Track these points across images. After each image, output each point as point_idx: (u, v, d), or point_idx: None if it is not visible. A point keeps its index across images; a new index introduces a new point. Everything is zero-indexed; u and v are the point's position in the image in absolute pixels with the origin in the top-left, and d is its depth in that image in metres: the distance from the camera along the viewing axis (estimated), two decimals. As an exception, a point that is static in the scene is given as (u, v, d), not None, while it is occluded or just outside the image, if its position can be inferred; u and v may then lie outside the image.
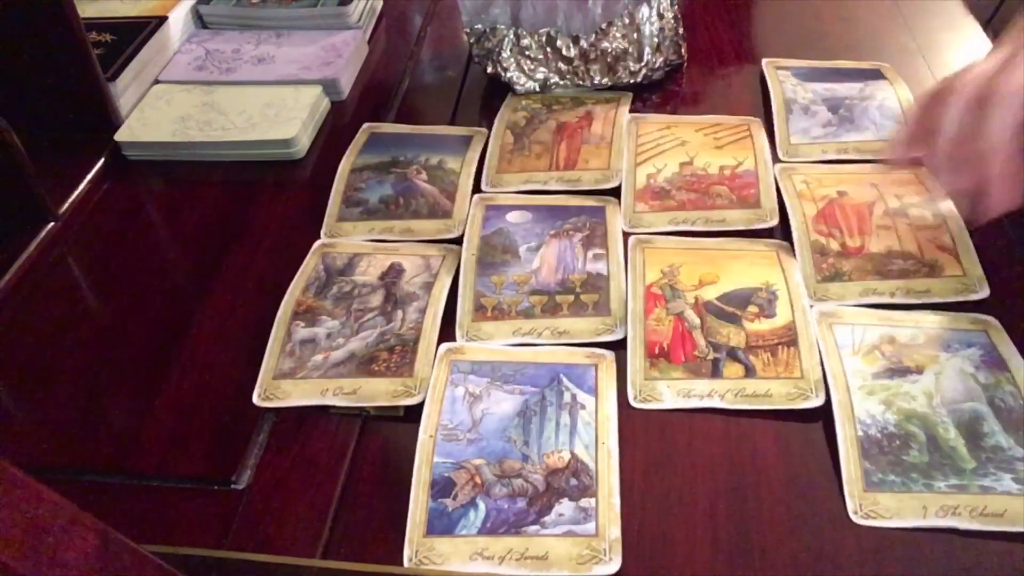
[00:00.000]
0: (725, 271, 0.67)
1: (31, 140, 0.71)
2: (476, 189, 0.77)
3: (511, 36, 0.85)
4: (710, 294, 0.65)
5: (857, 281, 0.65)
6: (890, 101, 0.82)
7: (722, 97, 0.87)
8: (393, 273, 0.69)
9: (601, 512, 0.52)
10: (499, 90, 0.89)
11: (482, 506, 0.53)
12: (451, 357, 0.62)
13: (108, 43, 0.88)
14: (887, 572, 0.50)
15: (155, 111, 0.87)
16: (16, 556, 0.33)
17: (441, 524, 0.52)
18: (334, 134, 0.86)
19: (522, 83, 0.87)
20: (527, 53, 0.86)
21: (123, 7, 0.94)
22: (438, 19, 1.04)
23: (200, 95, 0.88)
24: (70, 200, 0.78)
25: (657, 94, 0.88)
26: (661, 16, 0.85)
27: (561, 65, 0.86)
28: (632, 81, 0.87)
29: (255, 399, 0.60)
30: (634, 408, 0.59)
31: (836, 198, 0.72)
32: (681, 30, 0.88)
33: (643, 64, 0.86)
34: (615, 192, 0.76)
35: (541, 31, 0.85)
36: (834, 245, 0.68)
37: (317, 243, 0.73)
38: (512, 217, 0.73)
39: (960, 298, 0.64)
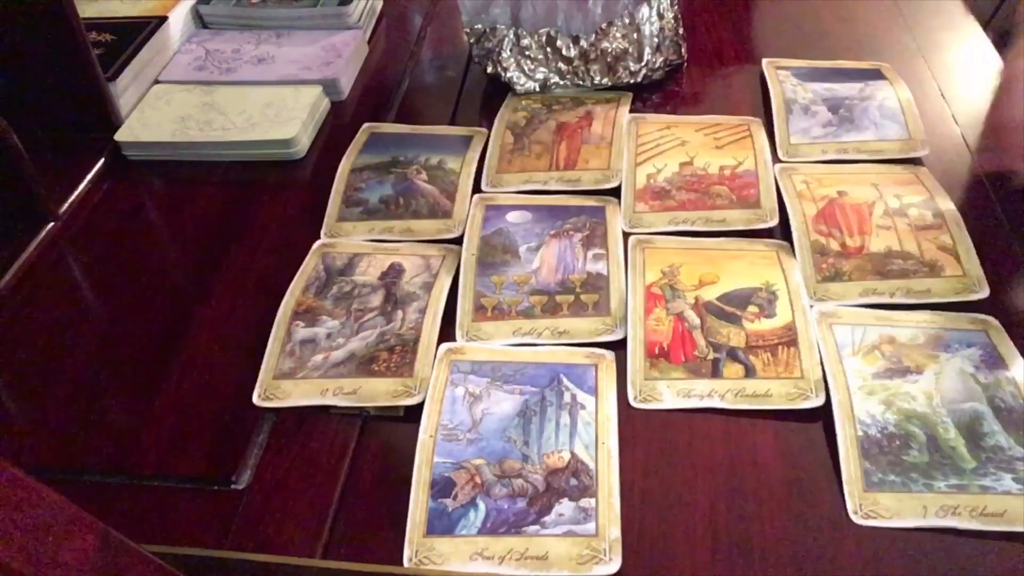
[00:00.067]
0: (725, 271, 0.67)
1: (31, 140, 0.72)
2: (476, 189, 0.77)
3: (511, 36, 0.85)
4: (710, 294, 0.65)
5: (857, 281, 0.65)
6: (890, 101, 0.82)
7: (722, 97, 0.87)
8: (393, 273, 0.69)
9: (601, 512, 0.53)
10: (499, 90, 0.89)
11: (482, 506, 0.53)
12: (451, 357, 0.62)
13: (108, 43, 0.88)
14: (887, 572, 0.50)
15: (155, 111, 0.87)
16: (16, 556, 0.33)
17: (441, 524, 0.52)
18: (334, 134, 0.86)
19: (522, 83, 0.87)
20: (527, 53, 0.86)
21: (123, 7, 0.94)
22: (438, 19, 1.04)
23: (200, 95, 0.88)
24: (70, 200, 0.78)
25: (657, 94, 0.88)
26: (661, 16, 0.85)
27: (561, 65, 0.86)
28: (632, 81, 0.87)
29: (255, 399, 0.60)
30: (634, 408, 0.59)
31: (836, 198, 0.72)
32: (681, 30, 0.88)
33: (643, 64, 0.86)
34: (615, 192, 0.76)
35: (541, 31, 0.85)
36: (834, 245, 0.68)
37: (317, 243, 0.73)
38: (512, 217, 0.73)
39: (960, 298, 0.64)
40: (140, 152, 0.84)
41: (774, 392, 0.58)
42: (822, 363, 0.59)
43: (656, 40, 0.86)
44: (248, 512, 0.55)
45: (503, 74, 0.87)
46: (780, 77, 0.87)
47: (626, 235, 0.71)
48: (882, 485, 0.53)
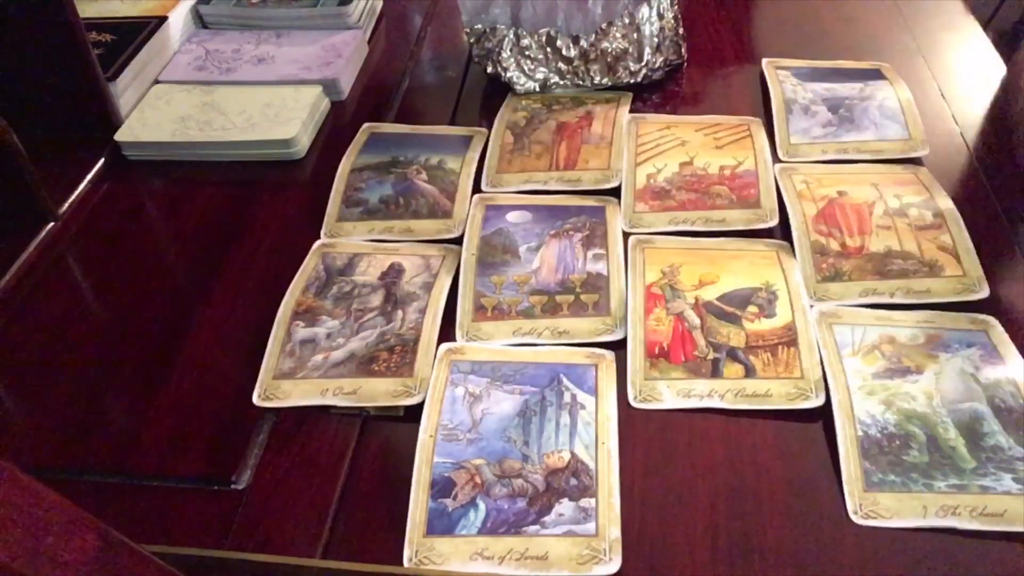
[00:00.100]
0: (725, 271, 0.67)
1: (31, 140, 0.72)
2: (476, 189, 0.77)
3: (511, 36, 0.85)
4: (710, 294, 0.65)
5: (857, 281, 0.65)
6: (890, 101, 0.82)
7: (722, 97, 0.87)
8: (393, 273, 0.69)
9: (601, 512, 0.53)
10: (499, 90, 0.89)
11: (482, 506, 0.53)
12: (451, 357, 0.62)
13: (108, 43, 0.88)
14: (887, 572, 0.50)
15: (155, 111, 0.87)
16: (16, 556, 0.33)
17: (441, 524, 0.52)
18: (334, 134, 0.86)
19: (522, 83, 0.87)
20: (527, 53, 0.86)
21: (123, 7, 0.94)
22: (438, 19, 1.04)
23: (200, 95, 0.88)
24: (70, 200, 0.78)
25: (657, 94, 0.88)
26: (661, 16, 0.85)
27: (561, 65, 0.86)
28: (632, 81, 0.87)
29: (255, 399, 0.60)
30: (634, 408, 0.59)
31: (836, 198, 0.72)
32: (681, 30, 0.88)
33: (643, 64, 0.86)
34: (615, 192, 0.76)
35: (541, 31, 0.85)
36: (834, 245, 0.68)
37: (317, 243, 0.73)
38: (512, 217, 0.73)
39: (960, 298, 0.64)
40: (140, 152, 0.84)
41: (774, 392, 0.58)
42: (822, 363, 0.59)
43: (656, 40, 0.86)
44: (248, 512, 0.55)
45: (503, 74, 0.87)
46: (780, 77, 0.87)
47: (626, 235, 0.71)
48: (882, 485, 0.53)
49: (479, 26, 0.86)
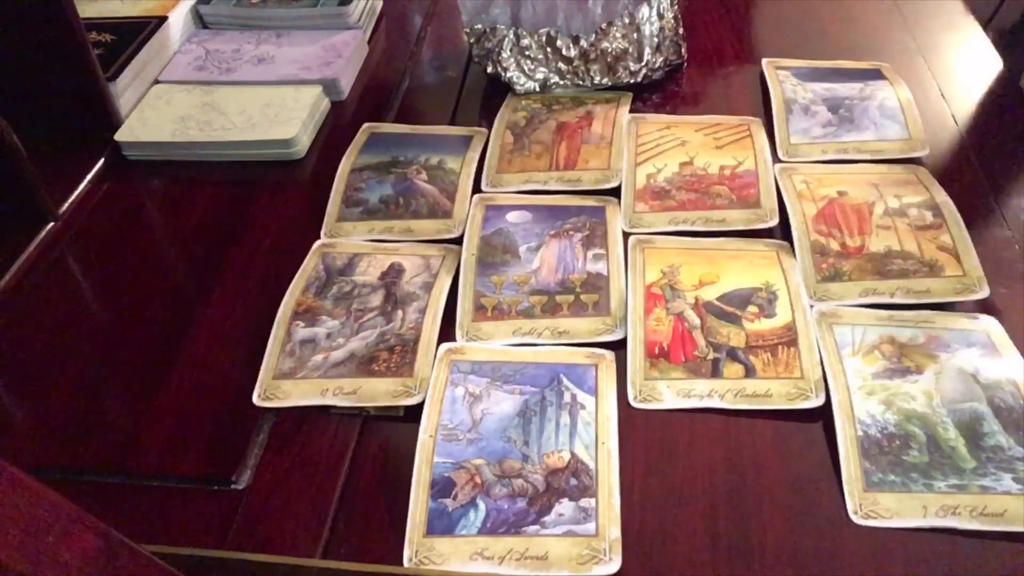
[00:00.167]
0: (725, 271, 0.67)
1: (31, 140, 0.72)
2: (476, 189, 0.77)
3: (511, 36, 0.85)
4: (710, 294, 0.65)
5: (857, 281, 0.65)
6: (890, 101, 0.82)
7: (722, 97, 0.87)
8: (393, 273, 0.69)
9: (601, 512, 0.53)
10: (499, 90, 0.89)
11: (482, 506, 0.53)
12: (451, 357, 0.62)
13: (108, 43, 0.88)
14: (887, 572, 0.50)
15: (155, 111, 0.87)
16: (16, 556, 0.33)
17: (441, 524, 0.52)
18: (334, 134, 0.86)
19: (522, 83, 0.87)
20: (527, 53, 0.86)
21: (123, 7, 0.94)
22: (438, 19, 1.04)
23: (200, 95, 0.88)
24: (70, 200, 0.78)
25: (657, 94, 0.88)
26: (661, 16, 0.85)
27: (561, 65, 0.86)
28: (632, 81, 0.87)
29: (255, 399, 0.60)
30: (634, 408, 0.59)
31: (836, 198, 0.72)
32: (681, 30, 0.88)
33: (643, 64, 0.86)
34: (615, 192, 0.76)
35: (541, 31, 0.85)
36: (834, 245, 0.68)
37: (317, 243, 0.73)
38: (512, 217, 0.73)
39: (960, 298, 0.64)
40: (140, 152, 0.84)
41: (774, 392, 0.58)
42: (822, 363, 0.59)
43: (656, 40, 0.86)
44: (248, 512, 0.55)
45: (503, 74, 0.87)
46: (780, 77, 0.87)
47: (626, 235, 0.71)
48: (882, 485, 0.53)
49: (479, 26, 0.86)
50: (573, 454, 0.56)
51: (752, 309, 0.64)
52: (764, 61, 0.90)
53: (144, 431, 0.60)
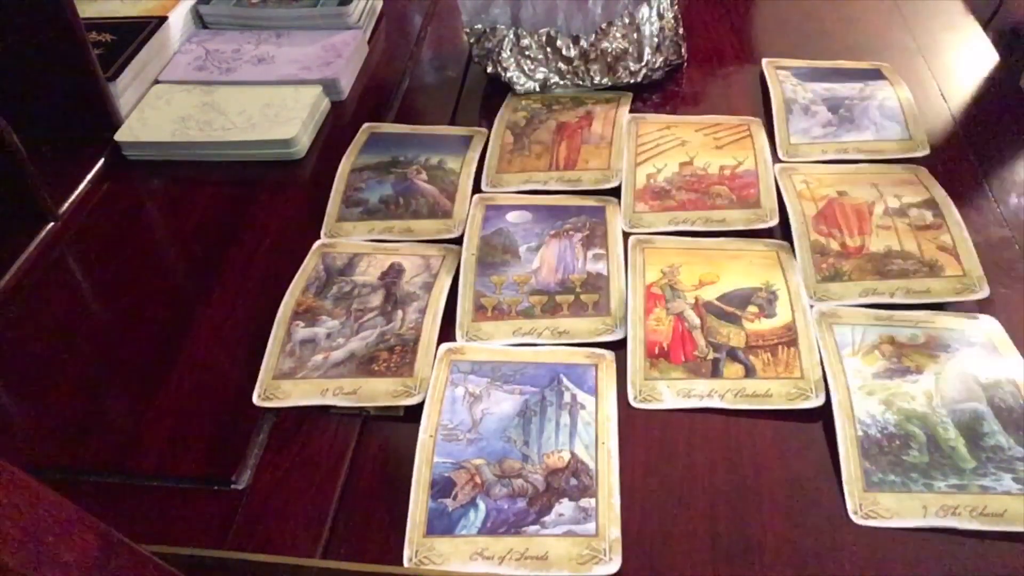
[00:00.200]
0: (725, 271, 0.67)
1: (31, 140, 0.72)
2: (476, 189, 0.77)
3: (511, 36, 0.85)
4: (710, 294, 0.65)
5: (857, 281, 0.65)
6: (890, 101, 0.82)
7: (722, 97, 0.87)
8: (393, 273, 0.69)
9: (601, 512, 0.52)
10: (499, 90, 0.89)
11: (482, 506, 0.53)
12: (451, 357, 0.62)
13: (108, 43, 0.88)
14: (887, 572, 0.50)
15: (155, 111, 0.87)
16: (16, 556, 0.33)
17: (441, 524, 0.52)
18: (334, 134, 0.86)
19: (522, 83, 0.87)
20: (527, 53, 0.86)
21: (123, 7, 0.94)
22: (438, 19, 1.04)
23: (200, 95, 0.88)
24: (70, 200, 0.78)
25: (657, 94, 0.88)
26: (661, 16, 0.85)
27: (561, 65, 0.86)
28: (632, 81, 0.87)
29: (255, 399, 0.60)
30: (634, 408, 0.59)
31: (836, 198, 0.72)
32: (681, 30, 0.88)
33: (643, 64, 0.86)
34: (615, 192, 0.76)
35: (541, 31, 0.85)
36: (834, 245, 0.68)
37: (317, 243, 0.73)
38: (512, 217, 0.73)
39: (960, 298, 0.64)
40: (140, 152, 0.84)
41: (774, 392, 0.58)
42: (822, 363, 0.59)
43: (656, 40, 0.86)
44: (248, 512, 0.55)
45: (503, 74, 0.87)
46: (780, 77, 0.87)
47: (626, 235, 0.71)
48: (882, 485, 0.53)
49: (479, 26, 0.86)
50: (573, 454, 0.56)
51: (752, 309, 0.64)
52: (764, 61, 0.90)
53: (144, 431, 0.60)
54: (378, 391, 0.60)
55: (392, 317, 0.65)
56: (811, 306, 0.64)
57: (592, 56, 0.85)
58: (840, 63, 0.89)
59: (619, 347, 0.62)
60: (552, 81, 0.87)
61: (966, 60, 0.90)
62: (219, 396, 0.62)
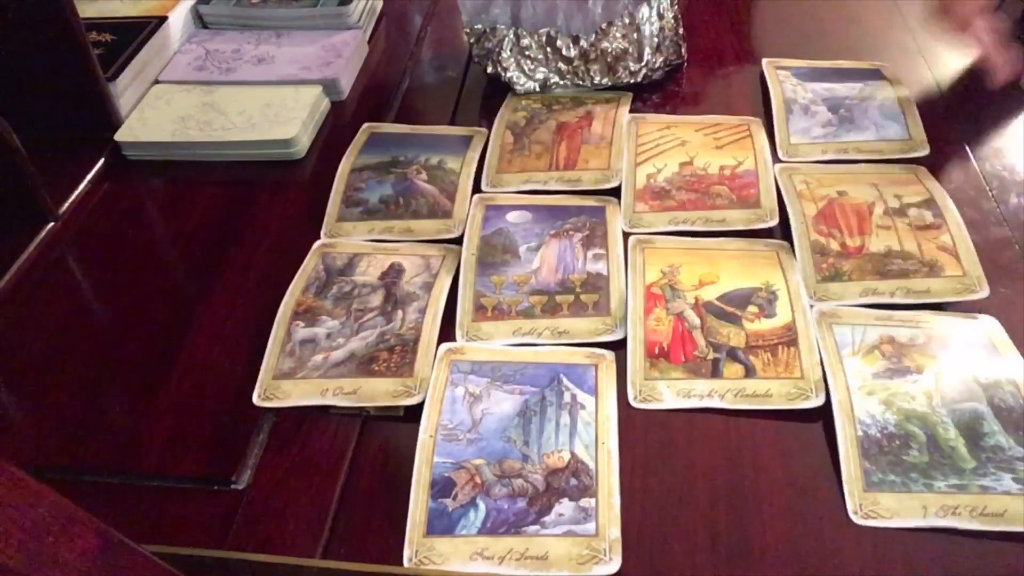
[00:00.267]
0: (725, 271, 0.67)
1: (31, 140, 0.72)
2: (476, 189, 0.77)
3: (511, 36, 0.85)
4: (710, 294, 0.65)
5: (857, 281, 0.65)
6: (890, 101, 0.82)
7: (722, 97, 0.87)
8: (393, 273, 0.69)
9: (601, 512, 0.52)
10: (499, 90, 0.89)
11: (482, 506, 0.53)
12: (451, 357, 0.62)
13: (108, 43, 0.88)
14: (887, 572, 0.50)
15: (155, 111, 0.87)
16: (16, 556, 0.33)
17: (441, 524, 0.52)
18: (334, 134, 0.86)
19: (522, 83, 0.87)
20: (527, 53, 0.86)
21: (123, 7, 0.94)
22: (438, 19, 1.04)
23: (200, 95, 0.88)
24: (70, 200, 0.78)
25: (657, 94, 0.88)
26: (661, 16, 0.85)
27: (561, 65, 0.86)
28: (632, 81, 0.87)
29: (255, 399, 0.60)
30: (634, 408, 0.59)
31: (836, 198, 0.72)
32: (681, 30, 0.88)
33: (643, 64, 0.86)
34: (615, 192, 0.76)
35: (541, 31, 0.85)
36: (834, 245, 0.68)
37: (317, 243, 0.73)
38: (512, 217, 0.73)
39: (960, 298, 0.64)
40: (140, 152, 0.84)
41: (774, 392, 0.58)
42: (822, 363, 0.59)
43: (656, 40, 0.86)
44: (248, 512, 0.55)
45: (503, 74, 0.87)
46: (780, 77, 0.87)
47: (626, 235, 0.71)
48: (882, 485, 0.53)
49: (479, 26, 0.86)
50: (573, 454, 0.56)
51: (752, 309, 0.64)
52: (764, 61, 0.90)
53: (144, 431, 0.60)
54: (378, 391, 0.60)
55: (392, 317, 0.65)
56: (811, 306, 0.64)
57: (592, 56, 0.85)
58: (840, 63, 0.89)
59: (619, 347, 0.62)
60: (552, 81, 0.87)
61: (966, 60, 0.90)
62: (219, 396, 0.62)
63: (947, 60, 0.89)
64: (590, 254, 0.69)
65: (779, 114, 0.82)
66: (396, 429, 0.59)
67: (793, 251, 0.68)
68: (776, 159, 0.78)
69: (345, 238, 0.73)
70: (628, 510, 0.53)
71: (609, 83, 0.87)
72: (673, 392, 0.59)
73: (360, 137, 0.84)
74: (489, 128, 0.84)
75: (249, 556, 0.52)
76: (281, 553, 0.52)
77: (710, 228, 0.71)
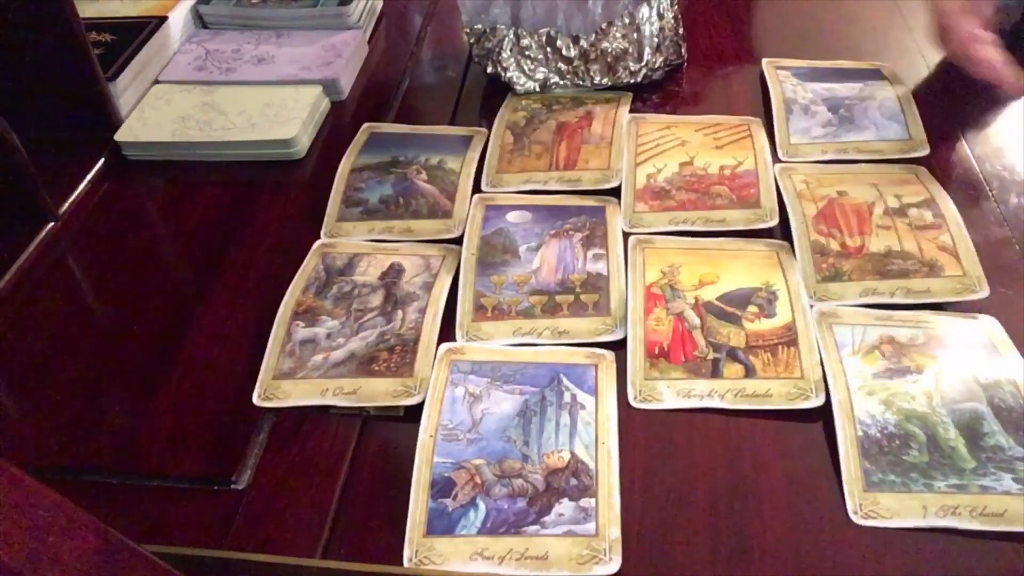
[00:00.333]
0: (725, 271, 0.67)
1: (31, 140, 0.72)
2: (476, 189, 0.77)
3: (511, 36, 0.85)
4: (710, 294, 0.65)
5: (857, 281, 0.65)
6: (890, 101, 0.82)
7: (722, 97, 0.87)
8: (393, 273, 0.69)
9: (601, 512, 0.52)
10: (499, 90, 0.89)
11: (482, 506, 0.53)
12: (451, 357, 0.62)
13: (108, 43, 0.88)
14: (887, 572, 0.50)
15: (155, 111, 0.87)
16: (16, 556, 0.33)
17: (441, 524, 0.52)
18: (334, 134, 0.86)
19: (522, 83, 0.87)
20: (527, 53, 0.86)
21: (123, 7, 0.95)
22: (438, 19, 1.04)
23: (200, 95, 0.88)
24: (70, 200, 0.78)
25: (657, 94, 0.88)
26: (661, 16, 0.85)
27: (561, 65, 0.86)
28: (632, 81, 0.87)
29: (255, 399, 0.60)
30: (634, 408, 0.59)
31: (836, 198, 0.72)
32: (681, 30, 0.88)
33: (643, 64, 0.86)
34: (615, 192, 0.76)
35: (541, 31, 0.85)
36: (834, 245, 0.68)
37: (317, 243, 0.73)
38: (512, 217, 0.73)
39: (960, 298, 0.63)
40: (140, 152, 0.84)
41: (774, 392, 0.58)
42: (822, 363, 0.59)
43: (656, 40, 0.86)
44: (248, 512, 0.55)
45: (503, 74, 0.87)
46: (780, 77, 0.87)
47: (626, 235, 0.71)
48: (882, 485, 0.53)
49: (479, 26, 0.86)
50: (573, 454, 0.56)
51: (752, 309, 0.64)
52: (764, 61, 0.90)
53: (144, 431, 0.60)
54: (378, 391, 0.60)
55: (392, 317, 0.65)
56: (811, 306, 0.64)
57: (592, 56, 0.85)
58: (840, 63, 0.89)
59: (619, 347, 0.62)
60: (552, 81, 0.87)
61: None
62: (219, 396, 0.62)
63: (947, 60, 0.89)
64: (590, 254, 0.69)
65: (779, 114, 0.82)
66: (396, 429, 0.59)
67: (793, 251, 0.68)
68: (776, 159, 0.78)
69: (345, 238, 0.73)
70: (628, 510, 0.53)
71: (609, 83, 0.87)
72: (673, 392, 0.59)
73: (360, 137, 0.84)
74: (489, 128, 0.84)
75: (249, 556, 0.52)
76: (281, 553, 0.52)
77: (710, 228, 0.71)
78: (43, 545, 0.34)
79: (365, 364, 0.62)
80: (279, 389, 0.61)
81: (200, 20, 0.99)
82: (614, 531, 0.52)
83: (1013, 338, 0.60)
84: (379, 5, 1.03)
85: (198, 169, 0.83)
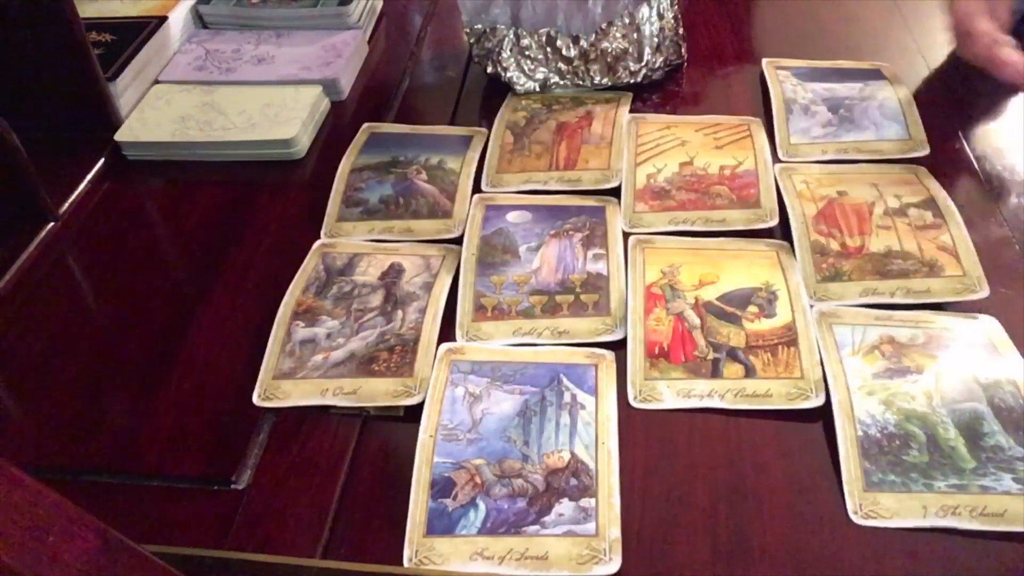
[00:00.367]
0: (725, 271, 0.67)
1: (31, 140, 0.72)
2: (476, 189, 0.77)
3: (511, 36, 0.85)
4: (710, 294, 0.65)
5: (857, 281, 0.65)
6: (890, 101, 0.82)
7: (722, 97, 0.87)
8: (393, 273, 0.69)
9: (601, 512, 0.52)
10: (499, 90, 0.89)
11: (482, 506, 0.53)
12: (451, 357, 0.62)
13: (108, 43, 0.88)
14: (887, 572, 0.50)
15: (155, 111, 0.87)
16: (16, 556, 0.33)
17: (441, 524, 0.52)
18: (334, 134, 0.86)
19: (522, 83, 0.87)
20: (527, 53, 0.86)
21: (123, 7, 0.95)
22: (438, 19, 1.04)
23: (200, 95, 0.88)
24: (70, 200, 0.78)
25: (657, 94, 0.88)
26: (661, 16, 0.85)
27: (561, 65, 0.86)
28: (632, 81, 0.87)
29: (255, 399, 0.60)
30: (634, 408, 0.59)
31: (836, 198, 0.72)
32: (681, 30, 0.88)
33: (643, 64, 0.86)
34: (615, 192, 0.76)
35: (541, 31, 0.85)
36: (834, 245, 0.68)
37: (317, 243, 0.73)
38: (512, 217, 0.73)
39: (960, 298, 0.63)
40: (140, 152, 0.84)
41: (774, 392, 0.58)
42: (822, 363, 0.59)
43: (656, 40, 0.86)
44: (248, 512, 0.55)
45: (503, 74, 0.87)
46: (780, 77, 0.87)
47: (626, 235, 0.71)
48: (882, 485, 0.53)
49: (479, 26, 0.86)
50: (573, 454, 0.56)
51: (752, 309, 0.64)
52: (764, 61, 0.90)
53: (144, 431, 0.60)
54: (378, 391, 0.60)
55: (392, 317, 0.65)
56: (811, 306, 0.64)
57: (592, 56, 0.85)
58: (840, 63, 0.89)
59: (619, 347, 0.62)
60: (552, 81, 0.87)
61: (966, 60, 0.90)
62: (219, 396, 0.62)
63: (947, 60, 0.89)
64: (590, 254, 0.69)
65: (779, 114, 0.82)
66: (396, 429, 0.59)
67: (793, 251, 0.68)
68: (776, 159, 0.78)
69: (345, 238, 0.73)
70: (628, 510, 0.53)
71: (609, 83, 0.87)
72: (673, 392, 0.59)
73: (360, 137, 0.84)
74: (489, 128, 0.84)
75: (249, 556, 0.52)
76: (281, 553, 0.52)
77: (710, 228, 0.71)
78: (43, 545, 0.34)
79: (365, 364, 0.62)
80: (279, 389, 0.61)
81: (200, 20, 0.99)
82: (614, 531, 0.52)
83: (1013, 338, 0.60)
84: (379, 5, 1.03)
85: (198, 169, 0.83)
